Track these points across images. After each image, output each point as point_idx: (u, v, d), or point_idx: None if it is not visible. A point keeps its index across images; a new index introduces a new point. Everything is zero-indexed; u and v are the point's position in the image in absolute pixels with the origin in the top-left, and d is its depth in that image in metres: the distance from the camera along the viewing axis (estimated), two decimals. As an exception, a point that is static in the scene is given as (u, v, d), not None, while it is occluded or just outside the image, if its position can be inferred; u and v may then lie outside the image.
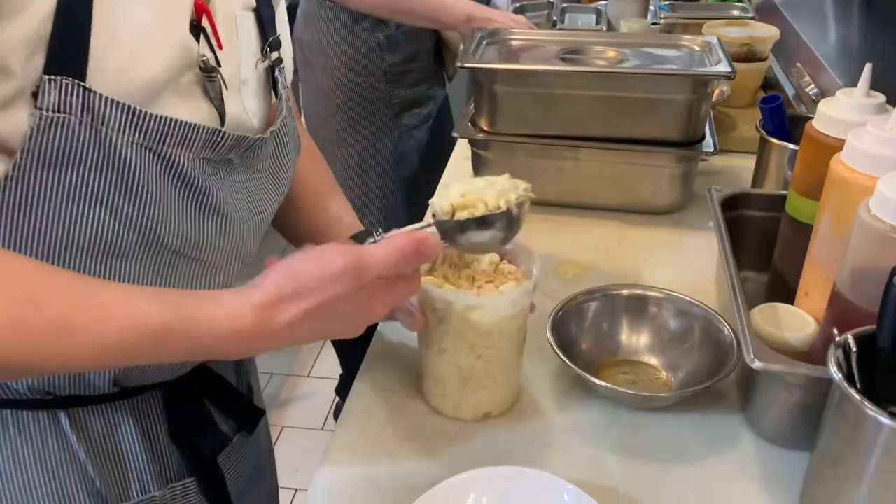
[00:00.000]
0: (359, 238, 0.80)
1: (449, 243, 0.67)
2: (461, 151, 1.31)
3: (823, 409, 0.64)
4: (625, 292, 0.86)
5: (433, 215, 0.67)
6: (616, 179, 1.10)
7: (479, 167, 1.16)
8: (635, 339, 0.85)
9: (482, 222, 0.65)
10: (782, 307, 0.80)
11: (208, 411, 0.73)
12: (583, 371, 0.75)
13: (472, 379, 0.74)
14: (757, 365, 0.68)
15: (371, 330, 0.92)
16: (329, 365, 2.23)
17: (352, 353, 1.74)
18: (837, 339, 0.60)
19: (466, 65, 1.07)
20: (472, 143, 1.14)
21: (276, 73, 0.71)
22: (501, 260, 0.76)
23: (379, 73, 1.53)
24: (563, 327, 0.82)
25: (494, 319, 0.70)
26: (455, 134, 1.14)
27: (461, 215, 0.65)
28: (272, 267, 0.56)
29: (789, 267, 0.86)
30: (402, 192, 1.65)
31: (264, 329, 0.53)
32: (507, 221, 0.66)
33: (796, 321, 0.78)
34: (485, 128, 1.12)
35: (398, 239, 0.57)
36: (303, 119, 1.68)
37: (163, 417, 0.69)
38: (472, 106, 1.16)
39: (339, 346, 1.93)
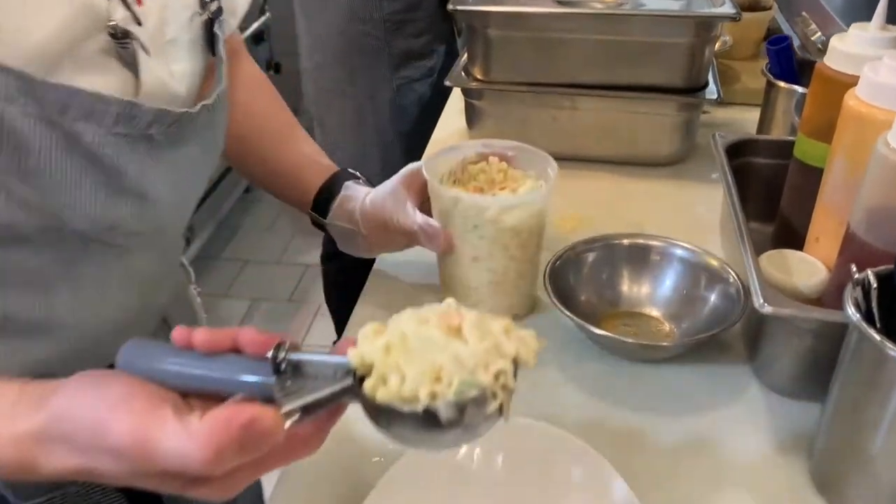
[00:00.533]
0: (335, 184, 0.72)
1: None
2: (455, 103, 1.26)
3: (836, 356, 0.60)
4: (626, 242, 0.82)
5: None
6: (615, 129, 1.05)
7: (472, 119, 1.11)
8: (637, 290, 0.81)
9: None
10: (791, 253, 0.76)
11: None
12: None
13: (505, 282, 0.76)
14: (767, 309, 0.64)
15: (364, 277, 0.89)
16: (324, 331, 2.20)
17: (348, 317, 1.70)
18: (856, 276, 0.56)
19: (458, 7, 1.02)
20: (465, 92, 1.09)
21: (216, 29, 0.60)
22: (508, 166, 0.78)
23: (377, 21, 1.48)
24: (560, 278, 0.78)
25: (529, 216, 0.72)
26: (447, 82, 1.09)
27: (366, 387, 0.40)
28: (74, 380, 0.42)
29: (798, 214, 0.82)
30: (402, 148, 1.60)
31: (28, 470, 0.41)
32: (431, 423, 0.39)
33: (806, 267, 0.74)
34: (478, 76, 1.07)
35: (209, 428, 0.38)
36: (302, 65, 1.62)
37: None
38: (466, 54, 1.11)
39: (335, 310, 1.90)
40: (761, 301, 0.64)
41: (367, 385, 0.40)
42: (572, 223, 0.94)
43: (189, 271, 0.80)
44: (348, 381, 0.41)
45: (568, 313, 0.72)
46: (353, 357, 0.41)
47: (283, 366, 0.41)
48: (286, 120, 0.82)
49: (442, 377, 0.39)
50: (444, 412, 0.38)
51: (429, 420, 0.38)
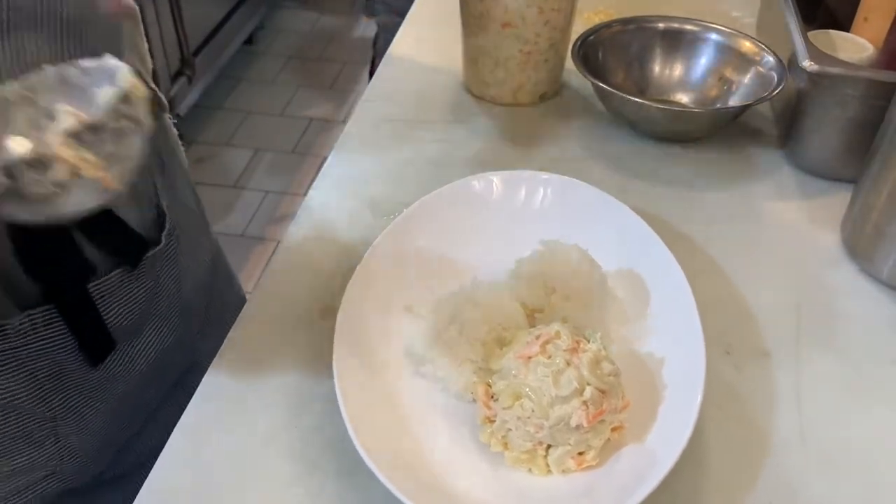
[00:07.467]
0: None
1: None
2: None
3: (877, 127, 0.58)
4: (661, 25, 0.78)
5: None
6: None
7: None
8: (668, 74, 0.77)
9: None
10: (836, 33, 0.72)
11: (69, 238, 0.52)
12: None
13: (535, 53, 0.72)
14: (813, 68, 0.60)
15: None
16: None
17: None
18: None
19: None
20: None
21: None
22: None
23: None
24: (590, 57, 0.74)
25: None
26: None
27: None
28: None
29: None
30: None
31: None
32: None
33: (852, 46, 0.70)
34: None
35: None
36: None
37: (7, 242, 0.49)
38: None
39: None
40: (808, 61, 0.61)
41: None
42: (600, 17, 0.89)
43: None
44: None
45: (597, 82, 0.69)
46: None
47: None
48: None
49: None
50: None
51: None
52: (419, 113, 0.76)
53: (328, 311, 0.54)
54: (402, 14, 0.93)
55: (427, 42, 0.87)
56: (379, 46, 1.50)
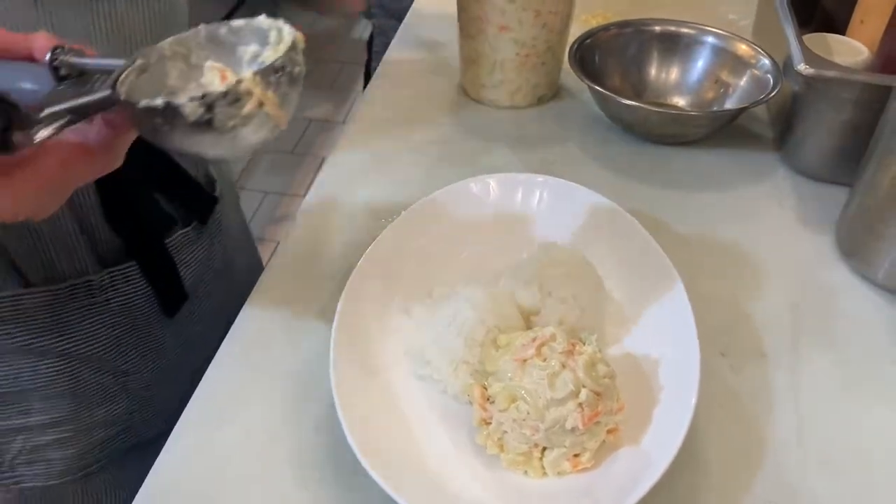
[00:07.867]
0: None
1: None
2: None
3: (871, 130, 0.58)
4: (657, 28, 0.78)
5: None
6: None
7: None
8: (664, 78, 0.77)
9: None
10: (831, 36, 0.73)
11: (149, 194, 0.59)
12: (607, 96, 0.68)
13: (532, 55, 0.72)
14: (809, 72, 0.61)
15: None
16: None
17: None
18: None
19: None
20: None
21: None
22: None
23: None
24: (587, 60, 0.74)
25: None
26: None
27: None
28: None
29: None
30: None
31: None
32: (193, 123, 0.35)
33: (847, 49, 0.71)
34: None
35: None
36: None
37: (95, 198, 0.55)
38: None
39: None
40: (803, 65, 0.61)
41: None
42: (598, 20, 0.89)
43: None
44: (106, 91, 0.36)
45: (594, 85, 0.69)
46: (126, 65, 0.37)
47: (63, 71, 0.38)
48: None
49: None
50: (188, 107, 0.34)
51: (189, 119, 0.35)
52: (417, 115, 0.76)
53: (327, 312, 0.55)
54: (397, 16, 0.94)
55: (425, 44, 0.87)
56: (374, 48, 1.50)
